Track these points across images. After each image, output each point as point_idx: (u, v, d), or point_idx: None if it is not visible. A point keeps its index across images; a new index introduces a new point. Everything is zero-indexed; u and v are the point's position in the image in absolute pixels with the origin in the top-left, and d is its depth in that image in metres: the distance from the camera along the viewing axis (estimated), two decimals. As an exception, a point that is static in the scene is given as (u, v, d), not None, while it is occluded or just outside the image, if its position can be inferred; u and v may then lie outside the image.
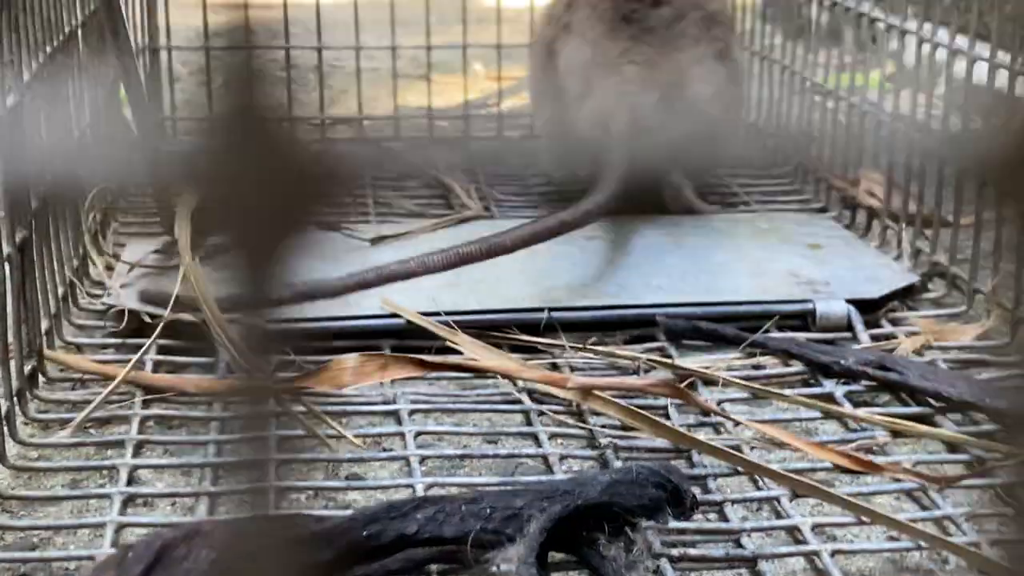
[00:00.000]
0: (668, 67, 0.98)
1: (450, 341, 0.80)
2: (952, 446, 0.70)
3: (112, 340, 0.83)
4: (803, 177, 1.15)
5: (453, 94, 1.53)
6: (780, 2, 1.26)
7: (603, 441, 0.71)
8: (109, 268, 0.91)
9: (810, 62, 1.16)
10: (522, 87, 1.45)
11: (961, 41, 0.90)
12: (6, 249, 0.69)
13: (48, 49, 0.82)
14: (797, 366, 0.79)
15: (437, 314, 0.82)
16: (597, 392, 0.72)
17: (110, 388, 0.73)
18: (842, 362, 0.77)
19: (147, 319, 0.82)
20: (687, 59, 0.99)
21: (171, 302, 0.79)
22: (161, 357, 0.80)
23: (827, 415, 0.74)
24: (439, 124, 1.38)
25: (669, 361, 0.79)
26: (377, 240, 0.97)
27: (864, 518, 0.62)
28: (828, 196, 1.10)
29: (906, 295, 0.89)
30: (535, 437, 0.72)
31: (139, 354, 0.77)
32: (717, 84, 1.00)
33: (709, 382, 0.77)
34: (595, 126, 0.97)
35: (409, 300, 0.83)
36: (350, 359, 0.74)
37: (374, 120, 1.39)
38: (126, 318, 0.82)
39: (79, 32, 0.93)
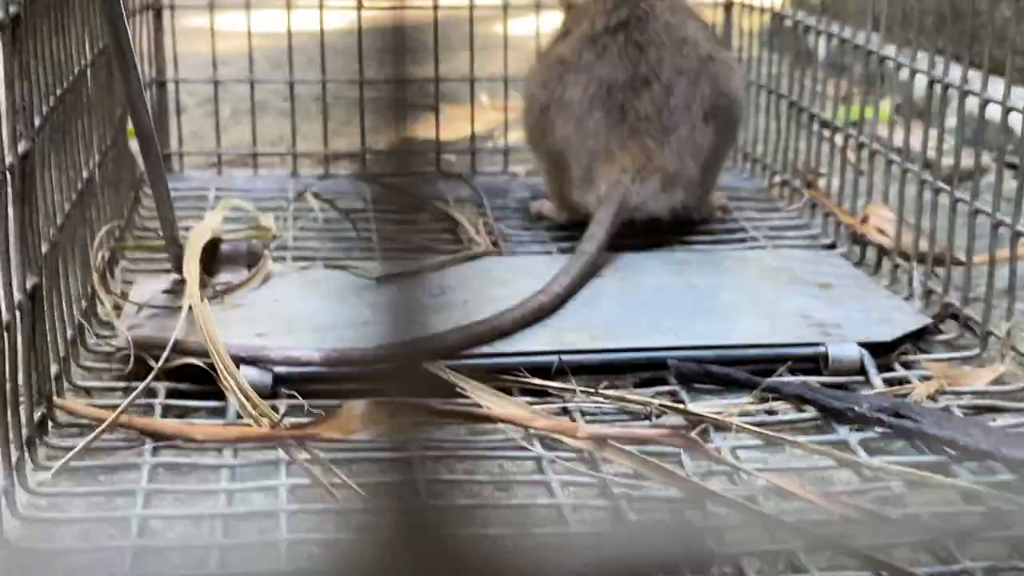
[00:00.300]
0: (666, 152, 1.04)
1: (460, 386, 0.80)
2: (969, 496, 0.69)
3: (120, 384, 0.83)
4: (811, 212, 1.15)
5: (459, 126, 1.53)
6: (784, 31, 1.26)
7: (616, 491, 0.70)
8: (117, 308, 0.91)
9: (817, 92, 1.16)
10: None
11: (972, 75, 0.90)
12: (17, 297, 0.69)
13: (58, 91, 0.81)
14: (810, 411, 0.79)
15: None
16: (609, 441, 0.72)
17: (97, 431, 0.73)
18: (856, 408, 0.76)
19: (152, 363, 0.81)
20: (684, 138, 1.05)
21: (168, 347, 0.79)
22: (170, 401, 0.80)
23: (842, 463, 0.73)
24: (446, 158, 1.38)
25: (681, 406, 0.79)
26: (383, 278, 0.96)
27: (883, 573, 0.62)
28: (837, 232, 1.09)
29: (918, 337, 0.88)
30: (547, 486, 0.72)
31: (125, 403, 0.77)
32: (709, 150, 1.07)
33: (722, 428, 0.76)
34: (595, 206, 1.03)
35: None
36: (359, 406, 0.73)
37: (380, 153, 1.38)
38: (132, 362, 0.82)
39: (88, 71, 0.93)
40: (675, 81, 1.06)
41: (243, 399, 0.75)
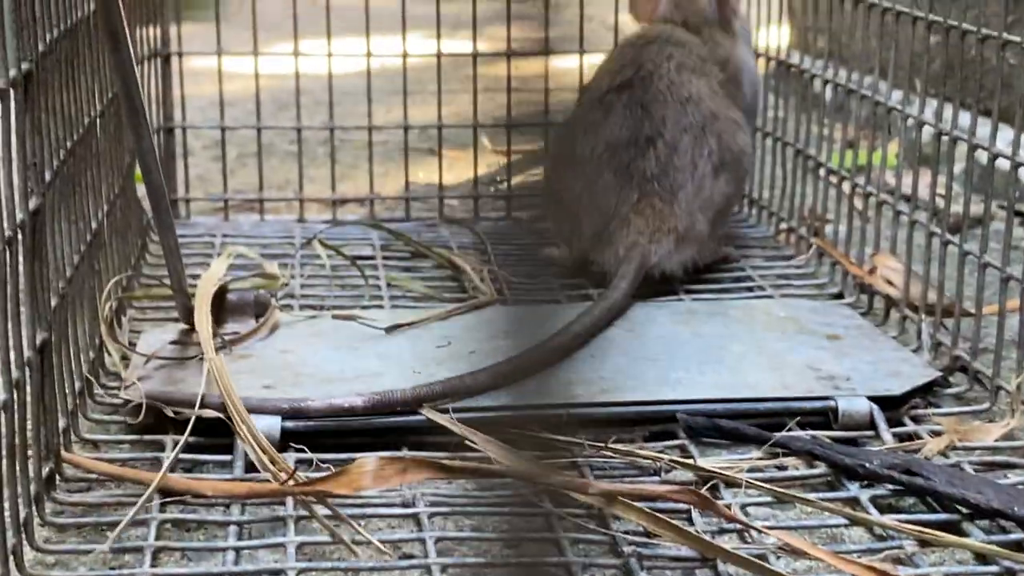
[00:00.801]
0: (676, 212, 1.07)
1: (470, 440, 0.79)
2: (981, 556, 0.69)
3: (128, 436, 0.82)
4: (818, 260, 1.15)
5: (461, 169, 1.53)
6: (787, 75, 1.26)
7: (626, 549, 0.70)
8: (125, 359, 0.91)
9: (823, 137, 1.16)
10: (529, 163, 1.45)
11: (980, 120, 0.90)
12: (27, 354, 0.69)
13: (69, 144, 0.82)
14: (821, 467, 0.79)
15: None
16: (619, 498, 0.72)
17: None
18: (867, 465, 0.76)
19: (170, 414, 0.81)
20: (691, 195, 1.07)
21: (197, 403, 0.79)
22: (178, 455, 0.79)
23: (853, 521, 0.73)
24: (449, 203, 1.38)
25: (691, 462, 0.78)
26: (392, 329, 0.96)
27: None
28: (844, 281, 1.09)
29: (928, 390, 0.88)
30: (557, 543, 0.72)
31: (168, 461, 0.76)
32: (718, 203, 1.09)
33: (732, 484, 0.76)
34: (613, 265, 1.06)
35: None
36: (369, 462, 0.73)
37: (384, 199, 1.39)
38: (143, 413, 0.81)
39: (98, 121, 0.93)
40: (679, 139, 1.07)
41: (260, 453, 0.74)
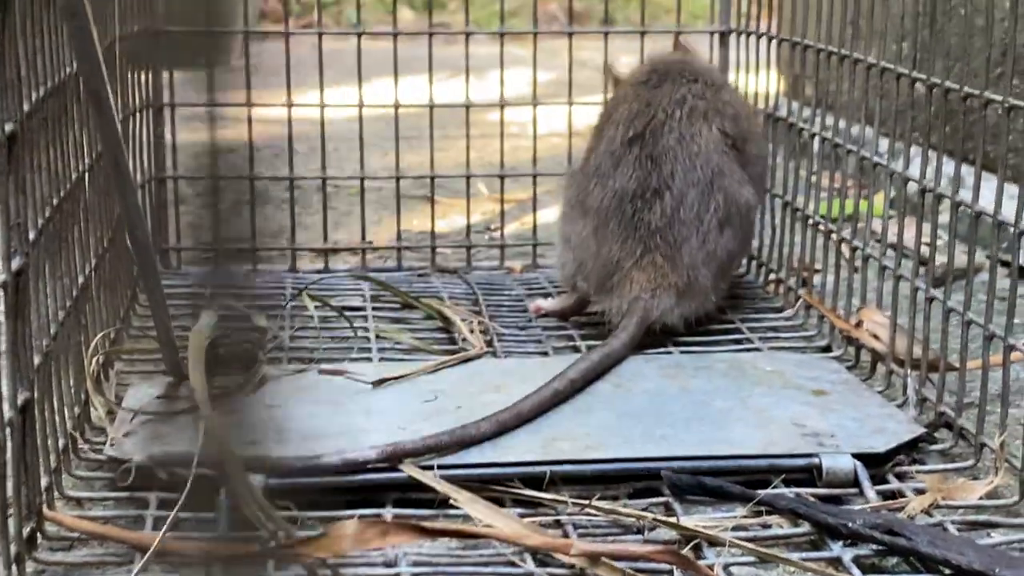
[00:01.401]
0: (678, 267, 1.08)
1: (453, 499, 0.79)
2: (963, 619, 0.69)
3: (112, 493, 0.82)
4: (806, 312, 1.15)
5: (456, 216, 1.54)
6: (776, 126, 1.27)
7: (608, 610, 0.70)
8: (111, 413, 0.91)
9: (811, 183, 1.17)
10: (524, 210, 1.46)
11: (966, 170, 0.90)
12: (7, 413, 0.69)
13: (55, 201, 0.82)
14: (805, 526, 0.78)
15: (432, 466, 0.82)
16: (602, 559, 0.71)
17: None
18: (850, 524, 0.76)
19: (163, 476, 0.81)
20: (695, 248, 1.08)
21: (193, 463, 0.79)
22: (161, 513, 0.79)
23: (835, 582, 0.73)
24: (442, 251, 1.39)
25: (674, 521, 0.78)
26: (379, 383, 0.96)
27: None
28: (832, 333, 1.09)
29: (912, 447, 0.88)
30: (539, 603, 0.71)
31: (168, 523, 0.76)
32: (722, 258, 1.10)
33: (715, 543, 0.76)
34: (615, 315, 1.08)
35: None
36: (350, 524, 0.73)
37: (377, 249, 1.39)
38: (132, 475, 0.81)
39: (86, 175, 0.93)
40: (686, 192, 1.08)
41: (260, 514, 0.74)
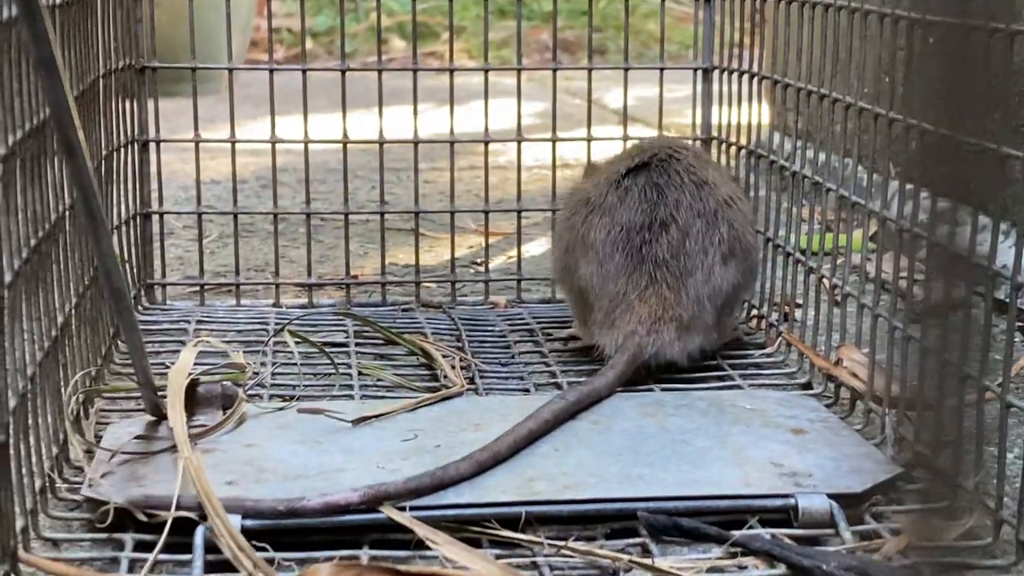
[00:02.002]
0: (682, 300, 1.07)
1: (429, 540, 0.79)
2: (934, 664, 0.69)
3: (88, 535, 0.82)
4: (787, 349, 1.16)
5: (442, 249, 1.54)
6: (758, 162, 1.27)
7: (581, 654, 0.70)
8: (89, 453, 0.91)
9: (792, 216, 1.17)
10: (511, 243, 1.46)
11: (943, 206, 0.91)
12: (-19, 458, 0.69)
13: (33, 242, 0.82)
14: (781, 568, 0.78)
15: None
16: (576, 602, 0.72)
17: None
18: (824, 567, 0.76)
19: (142, 517, 0.81)
20: (700, 282, 1.08)
21: (173, 505, 0.79)
22: (137, 555, 0.79)
23: (809, 626, 0.73)
24: (427, 285, 1.39)
25: (649, 563, 0.78)
26: (358, 421, 0.97)
27: None
28: (812, 371, 1.10)
29: (890, 486, 0.88)
30: (513, 647, 0.72)
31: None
32: (727, 292, 1.10)
33: (690, 585, 0.76)
34: (611, 351, 1.08)
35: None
36: (324, 568, 0.73)
37: (362, 284, 1.39)
38: (110, 516, 0.81)
39: (67, 215, 0.94)
40: (692, 224, 1.08)
41: (242, 556, 0.75)
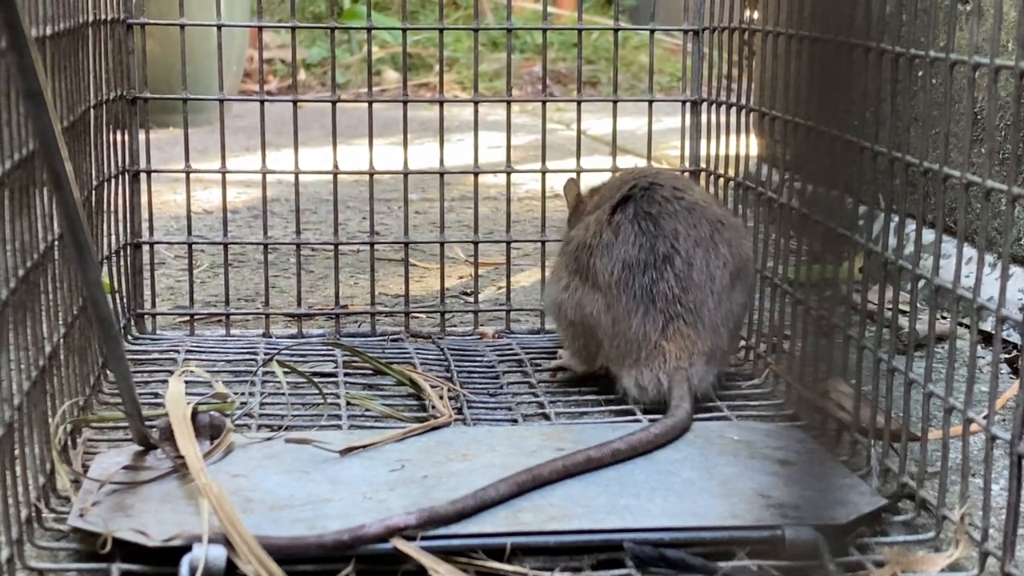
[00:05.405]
0: (703, 332, 1.08)
1: (434, 571, 0.80)
2: None
3: (75, 564, 0.82)
4: (775, 380, 1.16)
5: (432, 280, 1.55)
6: (747, 193, 1.28)
7: None
8: (76, 482, 0.91)
9: (780, 247, 1.18)
10: (501, 274, 1.47)
11: (928, 236, 0.91)
12: (-33, 488, 0.69)
13: (21, 272, 0.83)
14: (764, 600, 0.79)
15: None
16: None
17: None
18: (808, 598, 0.76)
19: (151, 544, 0.81)
20: (713, 310, 1.08)
21: (205, 540, 0.78)
22: (123, 585, 0.79)
23: (793, 657, 0.73)
24: (416, 316, 1.39)
25: (635, 594, 0.78)
26: (346, 451, 0.97)
27: None
28: (799, 402, 1.10)
29: (875, 518, 0.89)
30: None
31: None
32: (737, 314, 1.11)
33: (675, 616, 0.76)
34: (647, 391, 1.08)
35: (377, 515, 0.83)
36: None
37: (351, 314, 1.40)
38: (108, 546, 0.81)
39: (55, 245, 0.94)
40: (694, 253, 1.08)
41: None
